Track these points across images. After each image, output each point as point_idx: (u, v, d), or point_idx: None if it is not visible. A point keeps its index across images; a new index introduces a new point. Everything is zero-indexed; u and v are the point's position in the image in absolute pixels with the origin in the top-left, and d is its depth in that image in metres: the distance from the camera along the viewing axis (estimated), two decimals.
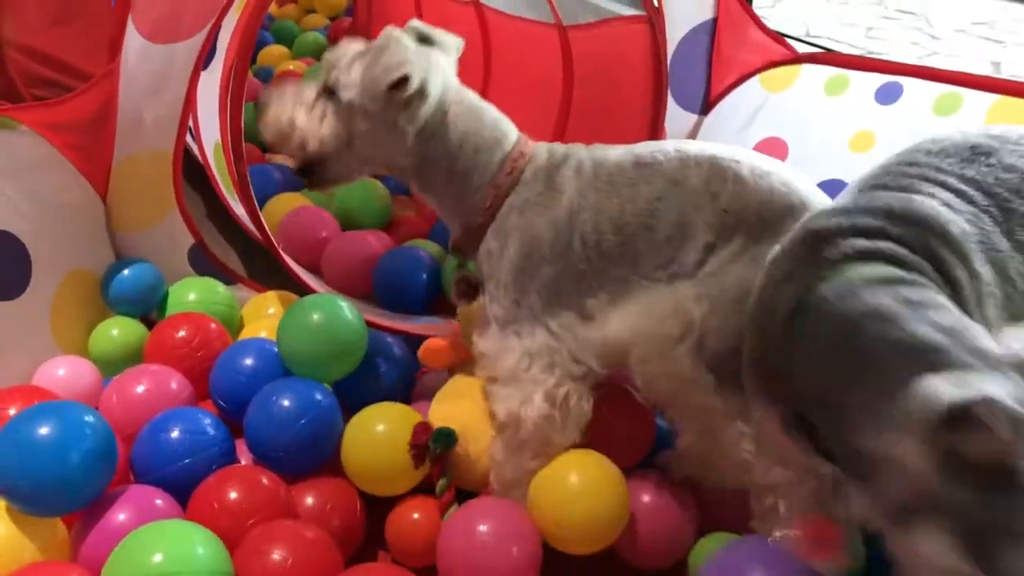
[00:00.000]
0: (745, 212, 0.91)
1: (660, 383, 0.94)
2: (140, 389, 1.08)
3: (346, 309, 1.11)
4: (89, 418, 0.92)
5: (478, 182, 1.01)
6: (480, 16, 1.80)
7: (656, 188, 0.94)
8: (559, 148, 1.02)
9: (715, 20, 1.46)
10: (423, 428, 1.02)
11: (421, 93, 0.96)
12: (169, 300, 1.28)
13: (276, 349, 1.13)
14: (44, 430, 0.88)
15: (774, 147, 1.42)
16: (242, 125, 1.19)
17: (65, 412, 0.91)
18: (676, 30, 1.44)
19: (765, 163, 0.95)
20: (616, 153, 0.99)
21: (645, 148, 0.98)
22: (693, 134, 1.52)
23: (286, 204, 1.62)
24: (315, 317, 1.09)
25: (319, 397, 1.04)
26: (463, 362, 1.15)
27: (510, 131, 1.03)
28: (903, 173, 0.78)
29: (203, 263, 1.35)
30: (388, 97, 0.95)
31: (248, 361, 1.12)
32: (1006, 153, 0.78)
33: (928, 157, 0.79)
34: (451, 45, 1.04)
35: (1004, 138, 0.80)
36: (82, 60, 1.73)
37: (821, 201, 0.93)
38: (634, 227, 0.94)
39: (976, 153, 0.78)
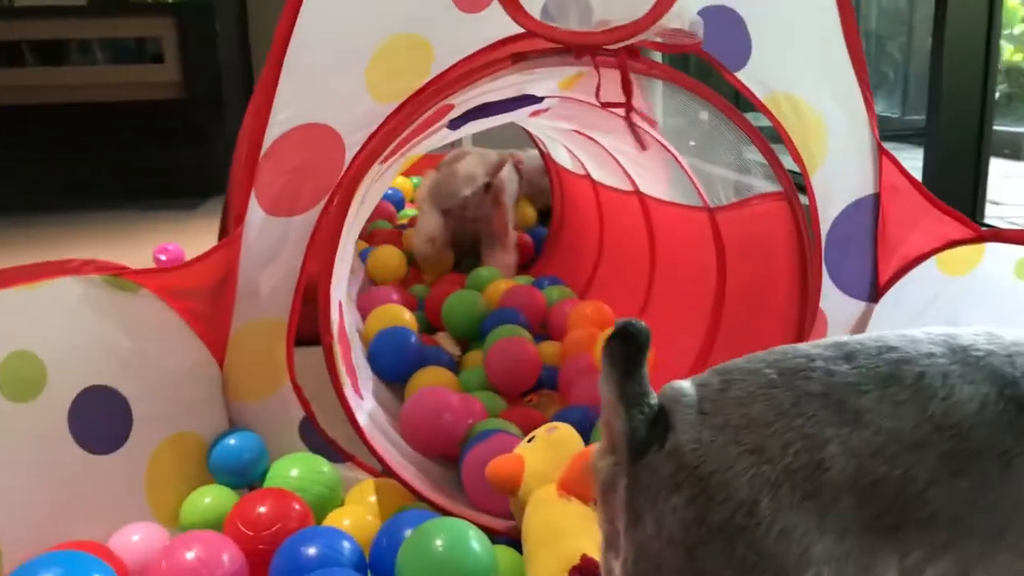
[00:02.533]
0: None
1: None
2: (190, 555, 1.00)
3: (474, 539, 0.98)
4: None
5: None
6: (642, 204, 1.71)
7: None
8: None
9: (877, 195, 1.27)
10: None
11: None
12: (270, 474, 1.22)
13: (346, 541, 1.04)
14: None
15: None
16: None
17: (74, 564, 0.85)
18: (831, 207, 1.26)
19: None
20: None
21: None
22: (862, 323, 1.29)
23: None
24: (438, 544, 0.97)
25: None
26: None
27: None
28: None
29: (314, 438, 1.29)
30: None
31: (311, 551, 1.02)
32: None
33: None
34: None
35: None
36: None
37: None
38: None
39: None
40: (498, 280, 1.98)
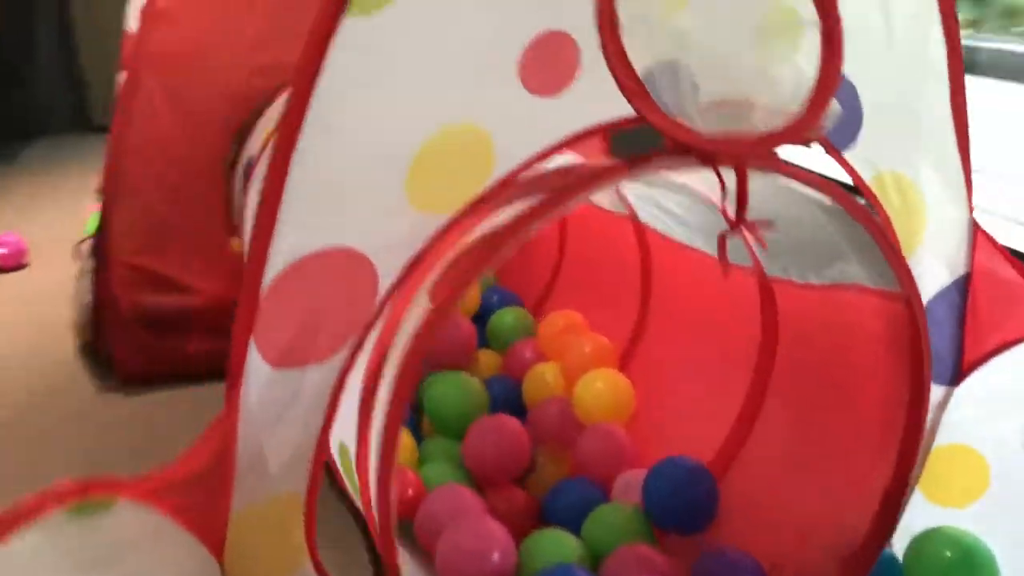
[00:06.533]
0: None
1: None
2: None
3: None
4: None
5: None
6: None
7: None
8: None
9: (968, 276, 1.09)
10: None
11: None
12: None
13: None
14: None
15: None
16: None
17: None
18: (921, 291, 1.07)
19: None
20: None
21: None
22: (939, 407, 1.12)
23: None
24: None
25: None
26: None
27: None
28: None
29: None
30: None
31: None
32: None
33: None
34: None
35: None
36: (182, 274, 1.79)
37: None
38: None
39: None
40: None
